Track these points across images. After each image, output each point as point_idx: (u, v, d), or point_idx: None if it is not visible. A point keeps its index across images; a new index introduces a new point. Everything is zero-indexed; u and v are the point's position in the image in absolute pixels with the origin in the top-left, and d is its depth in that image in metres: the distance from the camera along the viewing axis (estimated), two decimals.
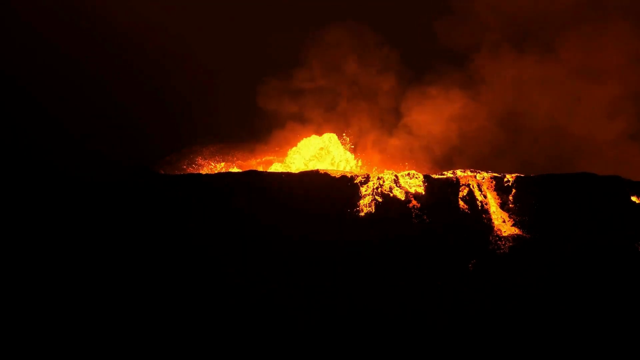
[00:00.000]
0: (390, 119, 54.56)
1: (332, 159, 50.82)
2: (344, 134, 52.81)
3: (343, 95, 55.48)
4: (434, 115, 54.46)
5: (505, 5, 60.73)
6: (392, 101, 55.15)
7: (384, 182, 41.97)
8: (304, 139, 51.97)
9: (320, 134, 52.37)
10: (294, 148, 51.33)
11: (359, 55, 56.46)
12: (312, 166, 49.62)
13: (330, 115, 53.88)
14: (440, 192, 41.90)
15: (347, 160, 51.02)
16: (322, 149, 50.85)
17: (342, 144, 52.07)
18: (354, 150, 52.27)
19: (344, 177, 42.38)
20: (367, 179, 42.13)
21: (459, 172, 42.93)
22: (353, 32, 56.62)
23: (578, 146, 58.43)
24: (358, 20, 57.22)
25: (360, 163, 51.46)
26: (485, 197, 42.10)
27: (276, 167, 50.43)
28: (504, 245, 40.17)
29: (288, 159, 50.95)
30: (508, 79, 58.23)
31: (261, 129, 52.18)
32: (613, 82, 58.72)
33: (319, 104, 54.40)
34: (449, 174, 42.97)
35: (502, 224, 41.30)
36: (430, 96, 54.84)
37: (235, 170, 49.24)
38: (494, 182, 42.80)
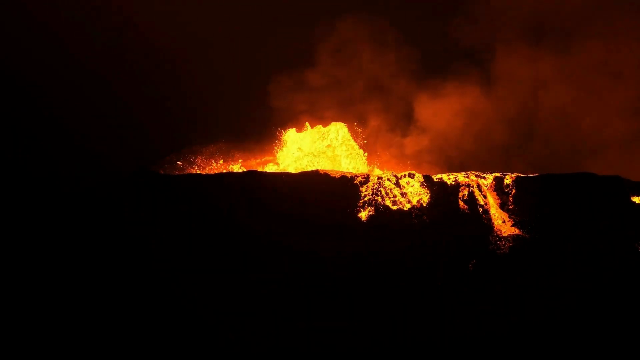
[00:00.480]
0: (401, 118, 54.24)
1: (340, 161, 50.23)
2: (355, 124, 52.41)
3: (352, 92, 54.97)
4: (445, 114, 54.21)
5: (521, 2, 60.02)
6: (404, 99, 54.76)
7: (383, 182, 41.94)
8: (308, 130, 51.47)
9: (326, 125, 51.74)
10: (297, 143, 50.94)
11: (370, 51, 55.97)
12: (316, 162, 49.38)
13: (335, 113, 53.22)
14: (441, 192, 41.85)
15: (357, 168, 50.14)
16: (329, 146, 50.49)
17: (354, 139, 51.48)
18: (365, 146, 51.72)
19: (343, 178, 42.34)
20: (366, 179, 42.10)
21: (460, 177, 42.66)
22: (364, 27, 56.04)
23: (590, 145, 58.04)
24: (371, 14, 56.31)
25: (364, 160, 50.81)
26: (485, 197, 42.08)
27: (276, 166, 50.25)
28: (504, 245, 40.16)
29: (286, 156, 50.56)
30: (523, 77, 57.77)
31: (262, 128, 51.96)
32: (629, 82, 58.26)
33: (323, 101, 53.80)
34: (450, 176, 42.85)
35: (502, 224, 41.28)
36: (443, 95, 54.58)
37: (235, 169, 49.19)
38: (494, 183, 42.77)
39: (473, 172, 43.24)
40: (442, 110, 54.12)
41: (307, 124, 51.60)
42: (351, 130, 51.41)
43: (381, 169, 50.36)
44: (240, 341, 34.47)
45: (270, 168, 49.76)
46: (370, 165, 50.72)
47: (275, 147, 51.00)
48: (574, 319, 36.01)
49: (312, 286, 37.67)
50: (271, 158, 50.70)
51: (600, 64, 58.52)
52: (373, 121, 53.33)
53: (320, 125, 51.40)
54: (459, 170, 43.81)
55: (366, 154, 51.19)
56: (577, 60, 57.95)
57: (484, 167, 44.31)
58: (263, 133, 51.22)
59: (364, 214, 40.84)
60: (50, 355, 32.91)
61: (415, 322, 36.02)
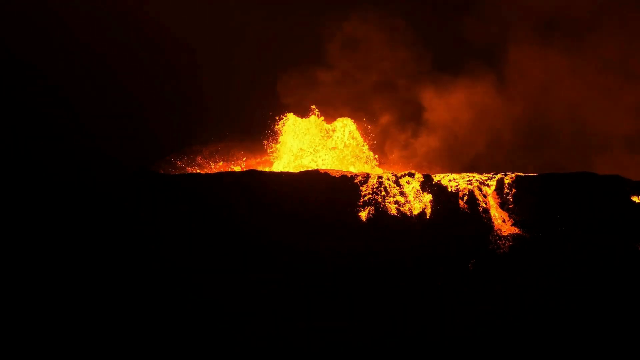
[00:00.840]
0: (410, 117, 53.83)
1: (347, 164, 49.77)
2: (365, 119, 51.96)
3: (361, 90, 54.44)
4: (455, 114, 53.94)
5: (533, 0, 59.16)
6: (414, 99, 54.29)
7: (383, 181, 41.96)
8: (312, 119, 50.97)
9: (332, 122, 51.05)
10: (297, 137, 50.62)
11: (380, 49, 55.49)
12: (320, 160, 49.18)
13: (343, 110, 52.53)
14: (441, 192, 41.87)
15: (365, 167, 49.52)
16: (334, 148, 50.19)
17: (364, 139, 51.02)
18: (375, 147, 51.25)
19: (343, 177, 42.37)
20: (366, 178, 42.12)
21: (461, 178, 42.64)
22: (373, 24, 55.50)
23: (600, 145, 57.60)
24: (381, 11, 55.52)
25: (373, 165, 50.30)
26: (485, 197, 42.09)
27: (275, 163, 50.00)
28: (504, 245, 40.18)
29: (284, 149, 50.28)
30: (534, 76, 57.20)
31: (263, 127, 51.70)
32: None
33: (330, 98, 53.15)
34: (450, 176, 42.86)
35: (502, 223, 41.30)
36: (454, 95, 54.26)
37: (236, 169, 49.12)
38: (494, 182, 42.76)
39: (474, 173, 43.23)
40: (452, 110, 53.87)
41: (313, 107, 50.96)
42: (360, 128, 51.00)
43: (390, 169, 50.06)
44: (240, 341, 34.49)
45: (275, 164, 49.69)
46: (380, 169, 50.44)
47: (265, 142, 50.54)
48: (574, 319, 36.04)
49: (312, 286, 37.70)
50: (271, 158, 50.58)
51: (613, 63, 57.99)
52: (383, 120, 53.03)
53: (323, 121, 51.08)
54: (467, 171, 43.78)
55: (376, 156, 50.94)
56: (589, 59, 57.43)
57: (492, 167, 44.23)
58: (263, 133, 51.07)
59: (363, 214, 40.86)
60: (48, 355, 32.93)
61: (415, 322, 36.06)
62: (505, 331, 35.20)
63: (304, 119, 50.64)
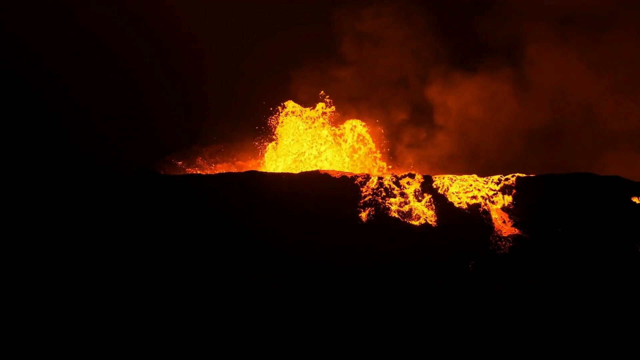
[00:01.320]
0: (423, 120, 53.58)
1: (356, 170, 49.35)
2: (377, 120, 51.61)
3: (371, 90, 54.08)
4: (469, 114, 53.71)
5: None
6: (426, 100, 53.98)
7: (383, 182, 41.98)
8: (316, 111, 50.59)
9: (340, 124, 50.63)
10: (297, 138, 50.45)
11: (391, 47, 55.14)
12: (325, 161, 49.08)
13: (352, 112, 52.00)
14: (441, 192, 41.90)
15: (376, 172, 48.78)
16: (348, 155, 49.93)
17: (376, 145, 50.64)
18: (386, 150, 50.91)
19: (344, 178, 42.42)
20: (366, 179, 42.14)
21: (461, 178, 42.69)
22: (387, 21, 55.01)
23: (613, 143, 57.22)
24: (396, 9, 54.98)
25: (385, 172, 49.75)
26: (485, 197, 42.11)
27: (274, 161, 49.78)
28: (504, 245, 40.20)
29: (284, 154, 50.16)
30: (551, 75, 56.65)
31: (263, 128, 51.61)
32: None
33: (337, 97, 52.62)
34: (450, 176, 42.90)
35: (503, 224, 41.32)
36: (467, 96, 54.06)
37: (236, 169, 49.11)
38: (495, 183, 42.81)
39: (474, 174, 43.27)
40: (465, 110, 53.64)
41: (322, 93, 50.38)
42: (370, 133, 50.54)
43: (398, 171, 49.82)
44: (240, 341, 34.49)
45: (268, 167, 49.60)
46: (392, 168, 50.22)
47: (265, 143, 50.29)
48: (574, 319, 36.03)
49: (312, 286, 37.69)
50: (269, 157, 50.46)
51: (630, 61, 57.49)
52: (395, 120, 52.80)
53: (327, 124, 50.92)
54: (476, 171, 43.79)
55: (390, 166, 50.64)
56: (606, 57, 56.95)
57: (503, 165, 44.19)
58: (264, 133, 50.98)
59: (364, 214, 40.87)
60: (48, 355, 32.93)
61: (415, 322, 36.05)
62: (505, 331, 35.20)
63: (309, 109, 50.13)
